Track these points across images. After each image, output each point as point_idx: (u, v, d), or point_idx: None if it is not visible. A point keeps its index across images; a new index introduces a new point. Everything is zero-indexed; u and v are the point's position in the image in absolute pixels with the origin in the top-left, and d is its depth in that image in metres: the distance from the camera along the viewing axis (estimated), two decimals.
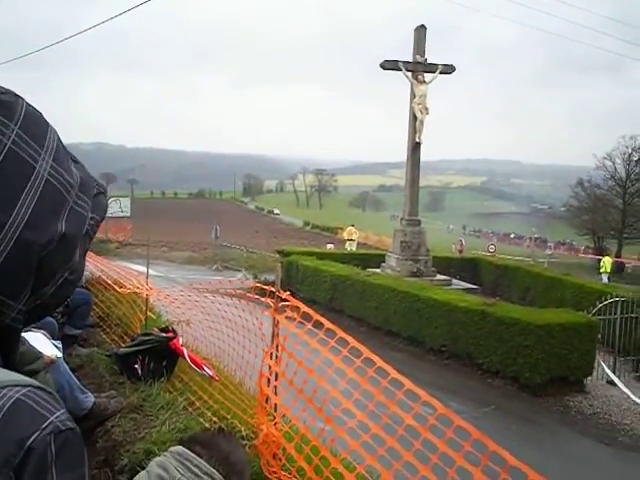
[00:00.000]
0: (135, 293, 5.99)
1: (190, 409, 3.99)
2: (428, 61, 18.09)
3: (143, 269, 6.22)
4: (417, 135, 18.15)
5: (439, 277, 18.44)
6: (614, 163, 59.22)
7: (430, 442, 2.63)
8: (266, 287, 3.69)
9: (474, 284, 19.37)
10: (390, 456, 2.75)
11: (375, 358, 2.90)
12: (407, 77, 17.93)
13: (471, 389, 11.14)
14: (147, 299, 5.84)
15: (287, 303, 3.40)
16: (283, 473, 3.13)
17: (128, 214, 33.31)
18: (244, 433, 3.49)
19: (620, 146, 58.48)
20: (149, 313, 5.87)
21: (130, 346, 4.74)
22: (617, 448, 8.98)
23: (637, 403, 10.39)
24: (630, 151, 58.37)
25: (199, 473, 1.59)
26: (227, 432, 1.91)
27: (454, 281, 18.78)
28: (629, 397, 10.58)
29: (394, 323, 14.06)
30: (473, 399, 10.34)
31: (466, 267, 22.31)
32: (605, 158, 59.54)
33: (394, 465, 2.74)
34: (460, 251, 29.77)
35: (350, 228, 32.79)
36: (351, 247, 30.57)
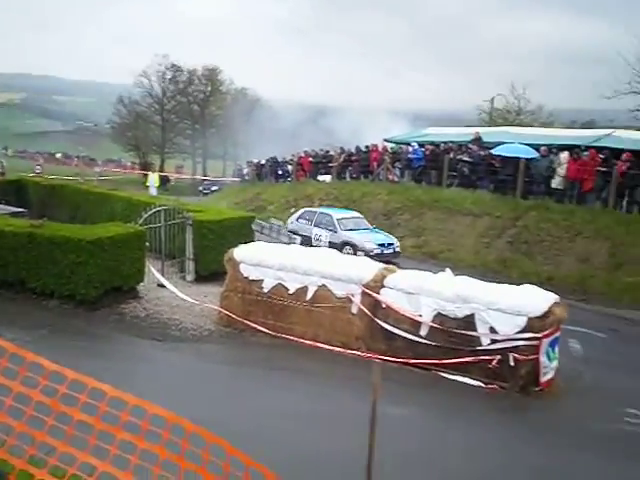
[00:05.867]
0: None
1: None
2: None
3: None
4: None
5: None
6: (150, 81, 61.70)
7: None
8: None
9: (21, 207, 18.18)
10: None
11: None
12: None
13: (27, 315, 10.68)
14: None
15: None
16: None
17: None
18: None
19: (154, 64, 61.03)
20: None
21: None
22: (169, 342, 9.97)
23: (184, 299, 11.61)
24: (164, 69, 61.51)
25: None
26: None
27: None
28: (177, 295, 11.72)
29: None
30: (30, 325, 9.95)
31: (10, 190, 20.70)
32: (141, 75, 61.44)
33: None
34: (2, 174, 27.35)
35: None
36: None
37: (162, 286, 12.34)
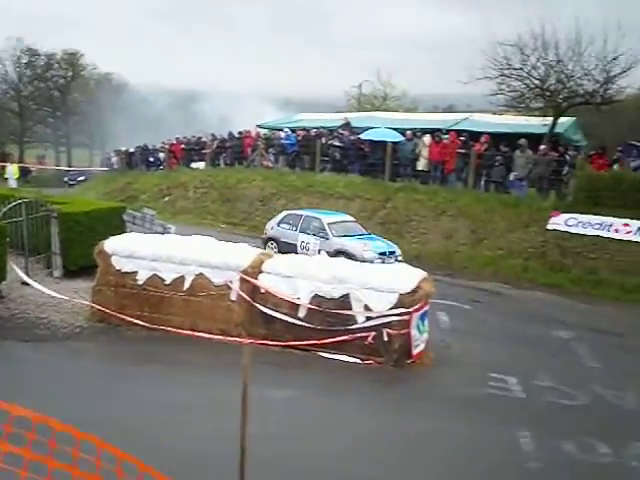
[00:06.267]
0: None
1: None
2: None
3: None
4: None
5: None
6: (4, 65, 57.24)
7: None
8: None
9: None
10: None
11: None
12: None
13: None
14: None
15: None
16: None
17: None
18: None
19: (8, 48, 56.57)
20: None
21: None
22: (37, 342, 9.44)
23: (52, 296, 11.02)
24: (19, 53, 57.29)
25: None
26: None
27: None
28: (44, 293, 11.10)
29: None
30: None
31: None
32: None
33: None
34: None
35: None
36: None
37: (26, 284, 11.63)
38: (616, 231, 14.91)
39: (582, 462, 6.64)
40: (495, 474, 6.33)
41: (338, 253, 14.63)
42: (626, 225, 14.81)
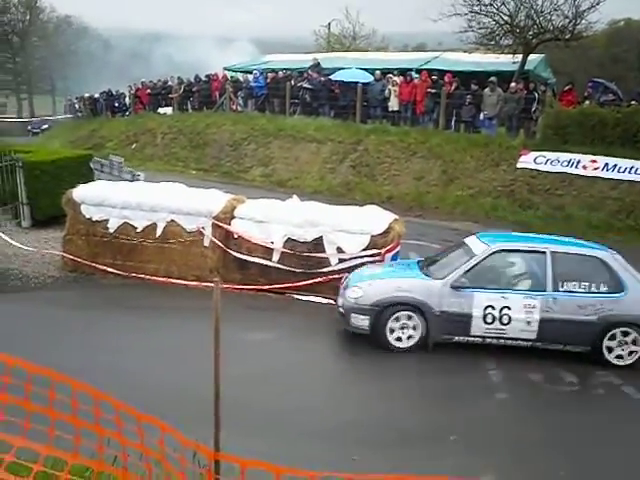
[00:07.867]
0: None
1: None
2: None
3: None
4: None
5: None
6: None
7: None
8: None
9: None
10: None
11: None
12: None
13: None
14: None
15: None
16: None
17: None
18: None
19: None
20: None
21: None
22: (10, 293, 9.41)
23: (20, 247, 10.89)
24: None
25: None
26: None
27: None
28: (12, 244, 10.95)
29: None
30: None
31: None
32: None
33: None
34: None
35: None
36: None
37: None
38: (584, 168, 15.08)
39: (549, 391, 6.93)
40: (467, 404, 6.59)
41: None
42: (593, 161, 14.99)
